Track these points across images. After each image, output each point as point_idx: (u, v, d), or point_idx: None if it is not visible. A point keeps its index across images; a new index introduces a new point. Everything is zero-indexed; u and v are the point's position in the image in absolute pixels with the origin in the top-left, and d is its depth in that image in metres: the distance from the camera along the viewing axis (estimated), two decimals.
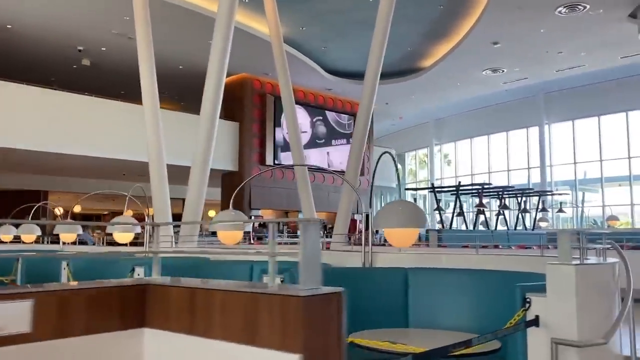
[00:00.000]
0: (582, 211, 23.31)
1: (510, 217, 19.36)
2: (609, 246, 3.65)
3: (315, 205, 20.82)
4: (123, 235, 6.46)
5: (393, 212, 3.96)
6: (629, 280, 3.45)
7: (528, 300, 3.00)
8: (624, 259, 3.71)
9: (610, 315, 3.22)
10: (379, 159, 5.01)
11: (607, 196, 22.90)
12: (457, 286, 4.04)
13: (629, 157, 20.73)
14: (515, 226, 15.69)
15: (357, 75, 19.50)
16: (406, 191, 19.15)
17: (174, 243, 7.65)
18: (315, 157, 20.38)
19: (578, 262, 3.02)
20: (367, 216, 5.11)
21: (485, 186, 14.53)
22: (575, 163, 22.29)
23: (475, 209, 15.22)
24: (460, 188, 13.68)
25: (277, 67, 12.19)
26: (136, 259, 5.75)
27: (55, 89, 14.90)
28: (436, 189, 13.68)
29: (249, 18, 15.09)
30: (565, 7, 13.11)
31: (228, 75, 18.78)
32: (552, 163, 23.03)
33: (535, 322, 2.94)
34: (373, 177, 5.12)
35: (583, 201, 23.58)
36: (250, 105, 18.68)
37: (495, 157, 25.34)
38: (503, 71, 18.27)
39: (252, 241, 16.84)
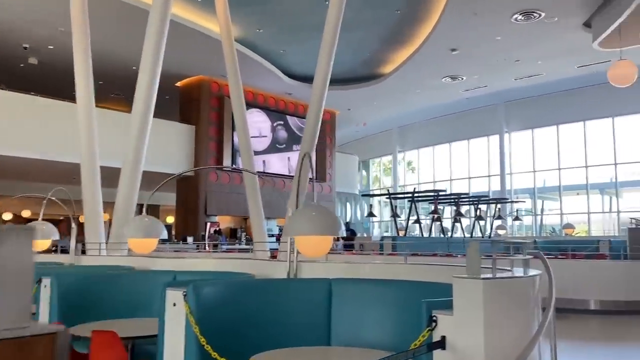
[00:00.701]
0: (542, 219, 23.55)
1: (472, 225, 19.36)
2: (531, 256, 3.37)
3: (275, 212, 20.51)
4: (37, 242, 5.97)
5: (304, 218, 3.61)
6: (551, 292, 3.19)
7: (434, 318, 2.69)
8: (548, 270, 3.45)
9: (530, 331, 2.94)
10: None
11: (566, 204, 23.18)
12: (378, 299, 3.71)
13: (586, 166, 20.99)
14: (472, 234, 15.59)
15: None
16: (362, 197, 18.92)
17: (101, 251, 7.15)
18: (276, 162, 20.00)
19: (490, 275, 2.71)
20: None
21: (441, 193, 14.36)
22: (534, 171, 22.48)
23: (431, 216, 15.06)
24: (416, 195, 13.47)
25: (227, 67, 11.80)
26: (46, 269, 5.27)
27: (1, 89, 14.19)
28: (392, 196, 13.43)
29: (206, 19, 14.65)
30: (521, 14, 13.10)
31: (184, 77, 18.49)
32: (512, 171, 23.18)
33: (441, 343, 2.63)
34: (298, 181, 4.77)
35: (542, 209, 23.83)
36: (207, 108, 18.19)
37: (457, 164, 25.42)
38: (462, 79, 18.27)
39: (206, 248, 16.35)
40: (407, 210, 16.16)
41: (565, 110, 21.12)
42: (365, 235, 24.91)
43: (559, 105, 21.21)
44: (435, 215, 13.30)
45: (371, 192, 16.16)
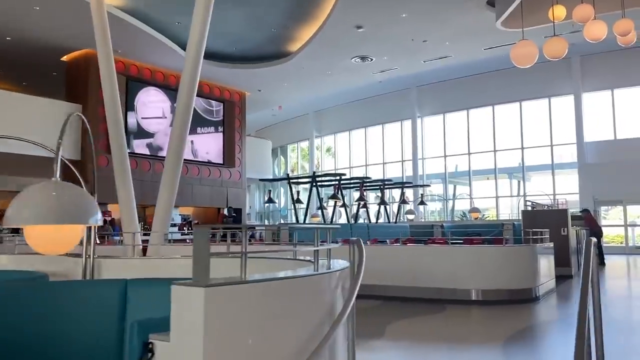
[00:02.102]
0: (453, 203, 23.64)
1: (391, 210, 18.92)
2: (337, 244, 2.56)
3: (178, 200, 19.12)
4: None
5: (36, 200, 2.56)
6: (354, 287, 2.38)
7: (151, 345, 1.77)
8: (361, 257, 2.66)
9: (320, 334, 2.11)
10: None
11: (476, 189, 23.37)
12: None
13: (495, 150, 21.14)
14: (377, 219, 15.06)
15: (221, 57, 18.02)
16: (260, 182, 18.02)
17: None
18: None
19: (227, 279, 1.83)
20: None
21: (343, 178, 13.68)
22: (445, 156, 22.44)
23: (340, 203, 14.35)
24: (317, 180, 12.69)
25: (96, 34, 10.32)
26: None
27: None
28: (291, 180, 12.57)
29: None
30: None
31: (69, 51, 16.66)
32: (424, 156, 23.05)
33: None
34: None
35: (454, 194, 23.94)
36: (95, 86, 16.44)
37: (373, 149, 25.07)
38: (372, 59, 17.67)
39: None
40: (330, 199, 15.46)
41: (475, 95, 21.14)
42: (277, 222, 24.12)
43: (469, 90, 21.20)
44: (336, 201, 12.60)
45: (272, 178, 15.31)
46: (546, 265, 7.32)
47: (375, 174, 24.56)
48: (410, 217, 17.99)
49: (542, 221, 9.87)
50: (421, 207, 23.32)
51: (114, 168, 10.43)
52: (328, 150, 27.83)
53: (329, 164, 27.28)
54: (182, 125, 9.19)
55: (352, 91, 22.47)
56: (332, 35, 15.48)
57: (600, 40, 10.00)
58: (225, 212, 20.64)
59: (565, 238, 9.63)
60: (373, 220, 17.67)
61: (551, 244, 7.81)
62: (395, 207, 22.34)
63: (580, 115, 19.11)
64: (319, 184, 13.42)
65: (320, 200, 13.13)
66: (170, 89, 18.63)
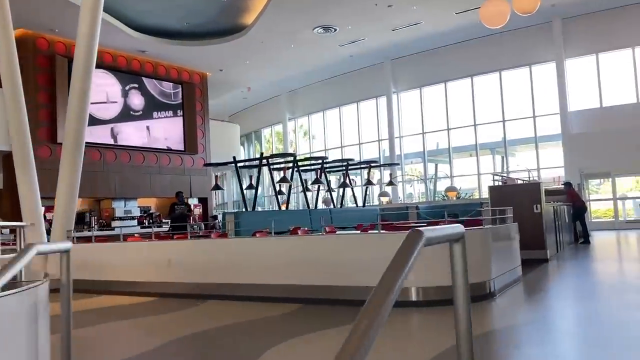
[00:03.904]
0: (435, 183, 22.38)
1: (363, 192, 17.61)
2: None
3: (134, 190, 17.82)
4: None
5: None
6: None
7: None
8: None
9: None
10: None
11: (458, 166, 22.14)
12: None
13: (475, 125, 19.85)
14: (342, 203, 13.80)
15: (172, 34, 16.60)
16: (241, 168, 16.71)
17: None
18: (130, 132, 17.21)
19: None
20: None
21: (299, 160, 12.38)
22: (423, 133, 21.15)
23: (302, 185, 13.04)
24: (270, 163, 11.38)
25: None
26: None
27: None
28: (238, 163, 11.26)
29: None
30: None
31: None
32: (401, 134, 21.74)
33: None
34: None
35: (436, 173, 22.67)
36: (32, 70, 15.06)
37: (348, 129, 23.76)
38: (335, 29, 16.26)
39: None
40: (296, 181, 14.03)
41: (452, 66, 19.80)
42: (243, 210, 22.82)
43: (446, 61, 19.85)
44: (286, 184, 11.29)
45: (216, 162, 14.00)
46: (506, 251, 6.06)
47: (352, 154, 23.29)
48: (384, 199, 16.74)
49: (512, 198, 8.62)
50: (400, 188, 22.09)
51: (61, 164, 9.03)
52: (305, 133, 26.49)
53: (305, 147, 25.97)
54: (80, 104, 7.87)
55: (324, 68, 21.10)
56: (288, 3, 14.10)
57: None
58: (195, 202, 19.34)
59: (539, 216, 8.38)
60: (355, 204, 16.40)
61: (515, 225, 6.54)
62: (373, 189, 21.13)
63: (564, 83, 17.79)
64: (272, 167, 12.10)
65: (273, 182, 11.82)
66: (121, 71, 17.23)
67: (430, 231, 1.32)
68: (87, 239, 9.45)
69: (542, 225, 8.42)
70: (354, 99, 22.95)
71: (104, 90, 16.55)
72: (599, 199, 18.72)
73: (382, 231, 5.33)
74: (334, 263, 5.37)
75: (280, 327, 4.78)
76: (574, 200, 11.94)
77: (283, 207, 18.53)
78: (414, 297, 5.03)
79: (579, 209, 11.97)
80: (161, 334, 4.61)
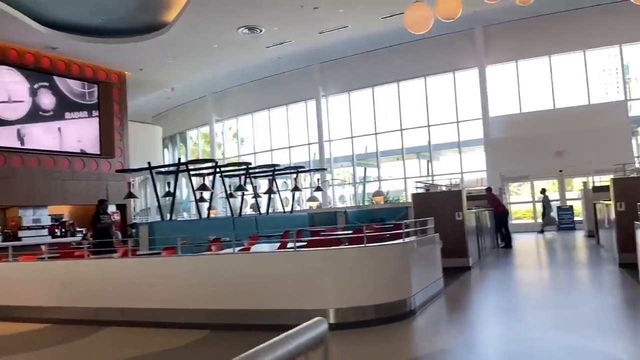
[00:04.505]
0: (364, 187, 22.41)
1: (290, 197, 17.22)
2: None
3: (45, 198, 16.48)
4: None
5: None
6: None
7: None
8: None
9: None
10: None
11: (386, 170, 22.31)
12: None
13: (401, 130, 20.03)
14: (268, 209, 13.36)
15: (87, 30, 15.50)
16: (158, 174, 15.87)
17: None
18: (39, 134, 15.92)
19: None
20: None
21: (221, 165, 11.81)
22: (352, 137, 21.10)
23: (232, 192, 12.45)
24: (183, 167, 10.73)
25: None
26: None
27: None
28: (153, 169, 10.55)
29: None
30: None
31: None
32: (330, 138, 21.60)
33: None
34: None
35: (365, 177, 22.71)
36: None
37: (278, 132, 23.36)
38: (261, 30, 15.81)
39: None
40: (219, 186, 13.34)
41: (380, 71, 19.88)
42: (180, 218, 21.97)
43: (373, 66, 19.91)
44: (209, 192, 10.72)
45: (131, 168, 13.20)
46: (428, 264, 5.88)
47: (282, 158, 22.91)
48: (313, 204, 16.46)
49: (435, 205, 8.54)
50: (330, 192, 21.96)
51: None
52: (234, 135, 25.82)
53: (233, 150, 25.31)
54: None
55: (251, 69, 20.57)
56: (211, 2, 13.51)
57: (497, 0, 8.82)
58: (112, 209, 18.15)
59: (461, 224, 8.35)
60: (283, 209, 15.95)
61: (436, 235, 6.38)
62: (302, 193, 20.83)
63: (485, 89, 18.28)
64: (192, 173, 11.46)
65: (194, 189, 11.20)
66: (28, 69, 15.90)
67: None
68: None
69: (464, 233, 8.40)
70: (283, 102, 22.59)
71: (5, 89, 15.20)
72: (519, 201, 19.42)
73: (298, 249, 4.94)
74: (246, 284, 4.94)
75: (185, 358, 4.31)
76: (494, 206, 12.14)
77: (214, 214, 17.85)
78: (332, 320, 4.69)
79: (500, 215, 12.19)
80: None
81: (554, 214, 17.11)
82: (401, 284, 4.94)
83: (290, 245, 5.12)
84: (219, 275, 5.09)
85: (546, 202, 16.82)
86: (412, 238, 5.67)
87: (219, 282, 5.06)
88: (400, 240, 5.20)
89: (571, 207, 17.28)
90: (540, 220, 17.76)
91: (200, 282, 5.13)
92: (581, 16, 16.82)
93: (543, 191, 16.92)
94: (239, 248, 5.79)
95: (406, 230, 5.23)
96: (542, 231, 16.54)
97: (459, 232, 8.39)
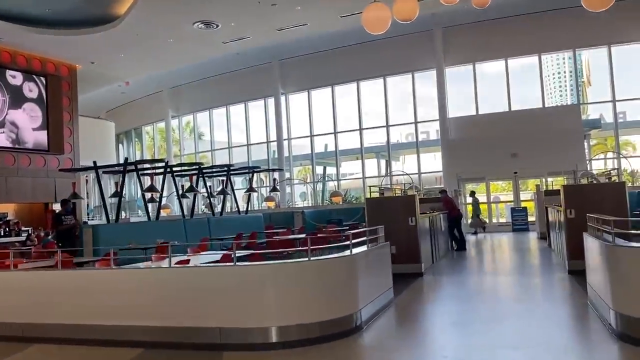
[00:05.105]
0: (323, 186, 22.25)
1: (245, 198, 16.81)
2: None
3: None
4: None
5: None
6: None
7: None
8: None
9: None
10: None
11: (346, 170, 22.25)
12: None
13: (360, 129, 19.94)
14: (222, 211, 13.00)
15: (34, 21, 14.75)
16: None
17: None
18: None
19: None
20: None
21: (158, 165, 11.40)
22: (312, 136, 20.89)
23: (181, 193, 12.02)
24: (130, 167, 10.25)
25: None
26: None
27: None
28: (99, 169, 10.06)
29: None
30: None
31: None
32: (290, 136, 21.33)
33: None
34: None
35: (324, 176, 22.56)
36: None
37: (237, 129, 22.93)
38: (217, 26, 15.40)
39: None
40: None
41: (340, 70, 19.73)
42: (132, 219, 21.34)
43: (333, 64, 19.75)
44: (156, 194, 10.31)
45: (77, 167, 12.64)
46: (377, 275, 5.72)
47: (240, 155, 22.52)
48: (270, 204, 16.19)
49: (388, 210, 8.41)
50: (288, 191, 21.71)
51: None
52: (191, 131, 25.19)
53: (191, 147, 24.71)
54: None
55: (209, 65, 20.07)
56: None
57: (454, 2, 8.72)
58: (58, 207, 17.37)
59: (414, 229, 8.25)
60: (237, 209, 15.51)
61: (387, 244, 6.23)
62: (259, 193, 20.51)
63: (444, 90, 18.37)
64: (140, 172, 11.00)
65: (142, 188, 10.74)
66: None
67: None
68: None
69: (417, 239, 8.30)
70: (242, 99, 22.17)
71: None
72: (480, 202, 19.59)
73: (238, 263, 4.69)
74: (184, 299, 4.65)
75: None
76: (449, 209, 12.14)
77: (167, 213, 17.31)
78: (274, 339, 4.45)
79: (454, 219, 12.19)
80: None
81: (484, 216, 17.19)
82: (347, 299, 4.76)
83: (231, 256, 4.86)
84: (154, 290, 4.78)
85: (475, 205, 17.02)
86: (362, 248, 5.50)
87: (154, 297, 4.76)
88: (347, 252, 5.01)
89: (525, 208, 17.56)
90: (495, 220, 17.97)
91: (135, 297, 4.82)
92: (537, 20, 17.07)
93: (472, 194, 17.09)
94: (177, 260, 5.48)
95: (353, 241, 5.04)
96: (475, 232, 16.71)
97: (412, 237, 8.28)
